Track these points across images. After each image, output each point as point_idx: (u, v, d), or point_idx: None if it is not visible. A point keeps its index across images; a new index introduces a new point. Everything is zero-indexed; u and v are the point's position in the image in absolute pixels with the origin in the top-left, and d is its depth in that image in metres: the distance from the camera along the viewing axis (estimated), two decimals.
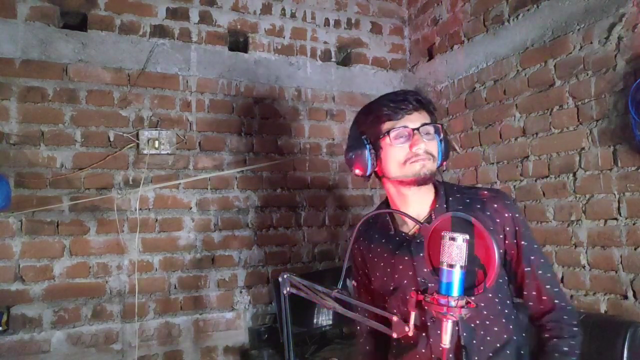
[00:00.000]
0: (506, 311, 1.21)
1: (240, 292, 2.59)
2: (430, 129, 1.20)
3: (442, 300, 0.88)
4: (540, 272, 1.21)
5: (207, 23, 2.63)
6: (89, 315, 2.27)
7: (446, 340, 0.91)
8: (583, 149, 2.04)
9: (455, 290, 0.88)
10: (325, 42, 2.95)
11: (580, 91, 2.05)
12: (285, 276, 1.20)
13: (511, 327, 1.20)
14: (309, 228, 2.80)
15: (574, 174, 2.08)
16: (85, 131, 2.34)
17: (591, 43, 2.00)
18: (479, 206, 1.21)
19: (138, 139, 2.41)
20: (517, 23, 2.35)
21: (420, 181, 1.19)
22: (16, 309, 2.16)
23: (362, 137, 1.23)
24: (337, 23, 3.00)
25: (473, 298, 0.93)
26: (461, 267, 0.88)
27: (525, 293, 1.22)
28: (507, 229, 1.19)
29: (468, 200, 1.23)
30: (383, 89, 3.07)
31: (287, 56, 2.82)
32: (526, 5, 2.29)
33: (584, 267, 2.03)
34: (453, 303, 0.88)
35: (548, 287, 1.20)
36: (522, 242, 1.20)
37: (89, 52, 2.36)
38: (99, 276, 2.31)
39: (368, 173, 1.25)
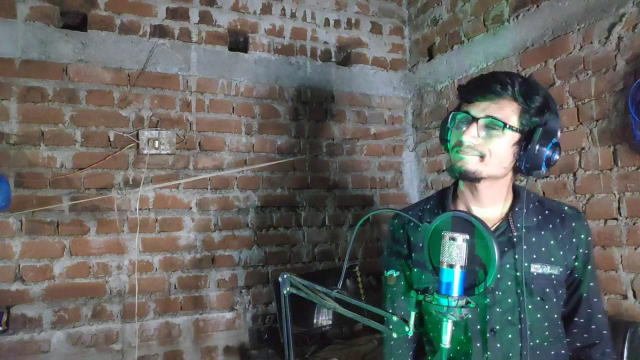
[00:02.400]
0: (560, 333, 1.17)
1: (240, 292, 2.59)
2: (496, 124, 1.03)
3: (442, 300, 0.88)
4: (595, 300, 1.18)
5: (207, 23, 2.63)
6: (89, 315, 2.27)
7: (445, 341, 0.91)
8: (583, 148, 2.04)
9: (455, 290, 0.88)
10: (325, 42, 2.95)
11: (580, 91, 2.05)
12: (285, 276, 1.20)
13: (563, 352, 1.16)
14: (309, 228, 2.80)
15: (574, 174, 2.08)
16: (85, 131, 2.34)
17: (591, 43, 2.00)
18: (558, 221, 1.15)
19: (138, 139, 2.41)
20: (517, 23, 2.35)
21: (455, 174, 1.09)
22: (16, 309, 2.16)
23: (449, 113, 1.14)
24: (337, 23, 3.00)
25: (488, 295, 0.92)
26: (461, 267, 0.88)
27: (575, 319, 1.17)
28: (581, 251, 1.15)
29: (547, 212, 1.17)
30: (383, 89, 3.08)
31: (287, 56, 2.82)
32: (526, 5, 2.29)
33: None
34: (453, 303, 0.87)
35: (599, 316, 1.17)
36: (589, 267, 1.17)
37: (89, 52, 2.36)
38: (99, 276, 2.31)
39: (445, 149, 1.16)
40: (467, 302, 0.89)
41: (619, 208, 1.91)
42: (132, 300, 2.33)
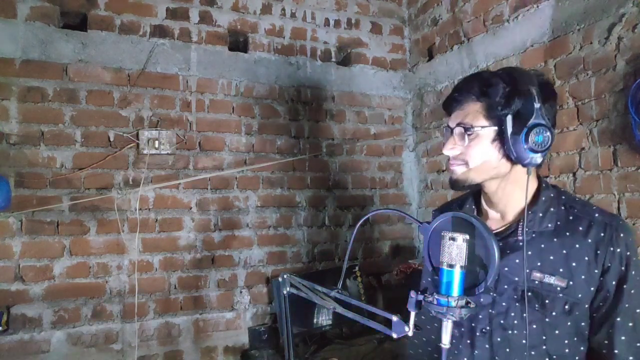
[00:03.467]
0: (569, 355, 1.04)
1: (240, 292, 2.59)
2: (464, 129, 1.03)
3: (442, 300, 0.88)
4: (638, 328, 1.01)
5: (207, 23, 2.63)
6: (89, 315, 2.27)
7: (446, 341, 0.91)
8: (583, 149, 2.04)
9: (455, 290, 0.88)
10: (325, 42, 2.95)
11: (580, 91, 2.05)
12: (285, 276, 1.20)
13: None
14: (309, 228, 2.80)
15: (574, 174, 2.08)
16: (85, 131, 2.34)
17: (591, 43, 2.00)
18: (582, 228, 1.03)
19: (138, 139, 2.41)
20: (517, 23, 2.35)
21: (452, 186, 1.09)
22: (16, 309, 2.16)
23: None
24: (337, 23, 3.00)
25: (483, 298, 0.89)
26: (461, 267, 0.88)
27: (616, 352, 1.01)
28: (610, 265, 1.00)
29: (572, 218, 1.05)
30: (383, 89, 3.08)
31: (287, 56, 2.82)
32: (526, 5, 2.29)
33: None
34: (453, 303, 0.87)
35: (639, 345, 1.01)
36: (625, 286, 1.00)
37: (89, 52, 2.36)
38: (99, 276, 2.31)
39: None
40: (467, 303, 0.89)
41: (618, 208, 1.91)
42: (132, 300, 2.33)
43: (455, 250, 0.88)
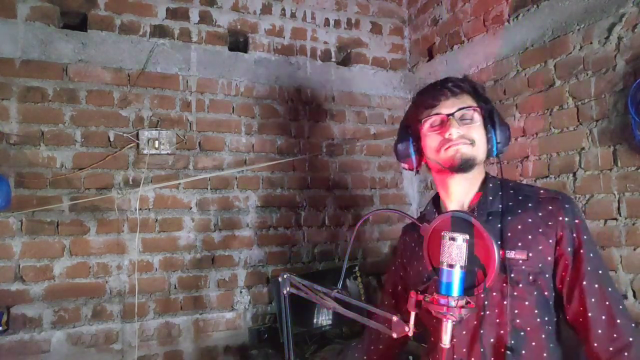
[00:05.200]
0: (550, 345, 1.07)
1: (240, 292, 2.59)
2: (468, 112, 1.14)
3: (442, 300, 0.88)
4: (610, 289, 1.04)
5: (207, 23, 2.63)
6: (89, 315, 2.27)
7: (446, 341, 0.91)
8: (583, 149, 2.04)
9: (455, 290, 0.89)
10: (325, 42, 2.95)
11: (580, 91, 2.05)
12: (285, 276, 1.21)
13: (551, 345, 1.07)
14: (309, 228, 2.80)
15: (574, 174, 2.08)
16: (85, 131, 2.34)
17: (591, 43, 2.00)
18: (531, 205, 1.13)
19: (138, 139, 2.41)
20: (517, 23, 2.35)
21: (455, 167, 1.13)
22: (16, 309, 2.16)
23: (407, 129, 1.22)
24: (337, 23, 3.00)
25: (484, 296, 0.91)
26: (461, 267, 0.88)
27: (590, 315, 1.03)
28: (561, 234, 1.08)
29: (521, 198, 1.15)
30: (383, 89, 3.08)
31: (287, 56, 2.82)
32: (526, 5, 2.29)
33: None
34: (453, 303, 0.88)
35: (620, 307, 1.03)
36: (582, 251, 1.06)
37: (89, 52, 2.36)
38: (99, 276, 2.31)
39: (414, 167, 1.24)
40: (467, 302, 0.89)
41: (618, 208, 1.91)
42: (132, 300, 2.33)
43: (455, 250, 0.88)
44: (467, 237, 0.89)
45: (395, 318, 0.97)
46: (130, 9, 2.46)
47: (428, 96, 1.19)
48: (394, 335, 0.98)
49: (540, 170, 2.22)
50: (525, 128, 2.29)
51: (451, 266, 0.88)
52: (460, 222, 0.97)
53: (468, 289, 0.91)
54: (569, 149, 2.09)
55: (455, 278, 0.88)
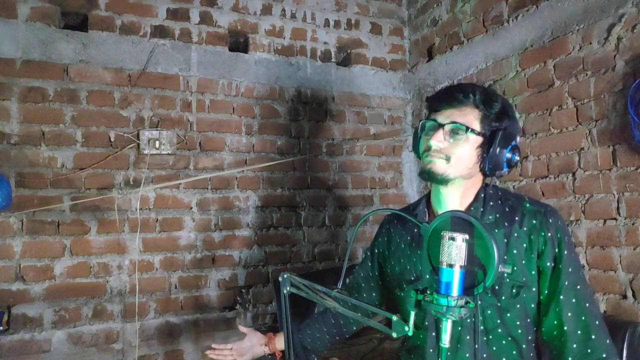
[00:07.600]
0: (531, 354, 1.11)
1: (241, 292, 2.60)
2: (460, 129, 1.11)
3: (442, 300, 0.89)
4: (588, 304, 1.06)
5: (207, 24, 2.64)
6: (89, 315, 2.28)
7: (446, 340, 0.91)
8: (582, 149, 2.04)
9: (455, 290, 0.89)
10: (325, 43, 2.96)
11: (579, 91, 2.06)
12: (285, 276, 1.21)
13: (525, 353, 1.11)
14: (309, 228, 2.80)
15: (574, 174, 2.08)
16: (86, 131, 2.34)
17: (590, 43, 2.01)
18: (517, 218, 1.13)
19: (139, 139, 2.42)
20: (517, 23, 2.35)
21: (426, 177, 1.15)
22: (17, 309, 2.16)
23: (419, 125, 1.23)
24: (337, 24, 3.00)
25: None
26: (461, 267, 0.89)
27: (565, 329, 1.06)
28: (543, 248, 1.09)
29: (507, 210, 1.15)
30: (383, 90, 3.09)
31: (287, 57, 2.83)
32: (526, 6, 2.30)
33: (583, 267, 2.03)
34: (452, 303, 0.88)
35: (597, 323, 1.05)
36: (561, 266, 1.08)
37: (89, 52, 2.36)
38: (99, 276, 2.31)
39: (417, 156, 1.26)
40: (467, 302, 0.89)
41: (618, 208, 1.91)
42: (132, 300, 2.33)
43: (455, 250, 0.88)
44: (467, 236, 0.89)
45: (395, 318, 0.98)
46: (130, 9, 2.47)
47: (435, 99, 1.19)
48: (394, 335, 0.99)
49: (540, 170, 2.23)
50: (525, 128, 2.30)
51: (451, 266, 0.89)
52: (460, 222, 0.97)
53: (468, 289, 0.92)
54: (569, 149, 2.10)
55: (455, 278, 0.89)
